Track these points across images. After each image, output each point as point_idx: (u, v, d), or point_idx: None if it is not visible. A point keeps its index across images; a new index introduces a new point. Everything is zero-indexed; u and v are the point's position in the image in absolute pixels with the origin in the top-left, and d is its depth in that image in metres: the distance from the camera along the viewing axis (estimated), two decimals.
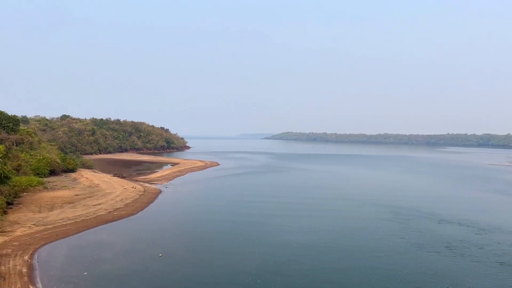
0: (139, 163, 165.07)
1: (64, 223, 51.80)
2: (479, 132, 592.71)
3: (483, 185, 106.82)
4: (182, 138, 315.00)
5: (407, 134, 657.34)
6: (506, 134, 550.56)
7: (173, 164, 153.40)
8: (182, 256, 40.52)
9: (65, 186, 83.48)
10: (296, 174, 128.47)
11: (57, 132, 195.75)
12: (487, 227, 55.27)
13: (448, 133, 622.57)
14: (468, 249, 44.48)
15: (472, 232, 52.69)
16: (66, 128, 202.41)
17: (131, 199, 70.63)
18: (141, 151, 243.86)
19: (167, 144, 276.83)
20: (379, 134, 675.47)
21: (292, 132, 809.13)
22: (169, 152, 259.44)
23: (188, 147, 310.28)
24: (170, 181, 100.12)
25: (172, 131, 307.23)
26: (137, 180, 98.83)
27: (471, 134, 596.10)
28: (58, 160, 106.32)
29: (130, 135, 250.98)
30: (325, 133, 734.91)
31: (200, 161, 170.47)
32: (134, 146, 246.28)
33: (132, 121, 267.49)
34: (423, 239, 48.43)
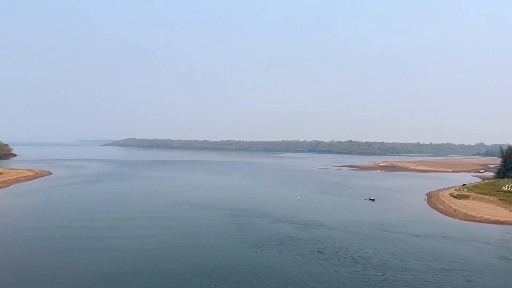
0: None
1: None
2: (309, 139, 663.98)
3: (311, 186, 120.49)
4: (6, 145, 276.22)
5: (248, 140, 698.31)
6: (330, 141, 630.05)
7: None
8: (7, 275, 36.42)
9: None
10: (140, 182, 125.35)
11: None
12: (312, 224, 62.93)
13: (283, 140, 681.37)
14: (294, 243, 50.18)
15: (298, 228, 59.39)
16: None
17: None
18: None
19: None
20: (222, 140, 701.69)
21: (135, 138, 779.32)
22: None
23: (14, 155, 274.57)
24: None
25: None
26: None
27: (302, 141, 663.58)
28: None
29: None
30: (170, 139, 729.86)
31: (28, 170, 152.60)
32: None
33: None
34: (256, 238, 52.74)
